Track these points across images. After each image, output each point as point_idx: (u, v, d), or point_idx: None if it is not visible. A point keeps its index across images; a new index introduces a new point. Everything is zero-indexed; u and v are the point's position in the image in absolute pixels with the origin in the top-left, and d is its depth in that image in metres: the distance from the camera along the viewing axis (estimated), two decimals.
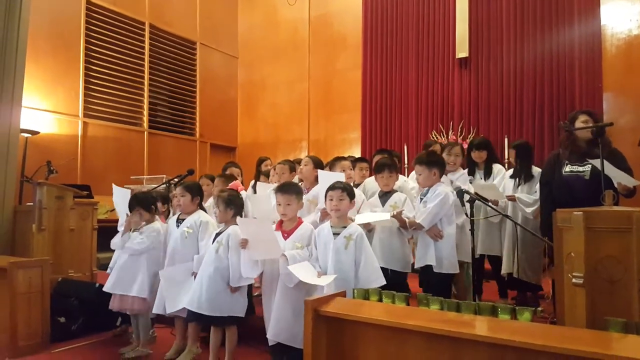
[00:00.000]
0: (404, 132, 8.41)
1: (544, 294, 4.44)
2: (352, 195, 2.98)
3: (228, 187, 3.39)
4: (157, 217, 3.77)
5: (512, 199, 4.18)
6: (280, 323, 2.86)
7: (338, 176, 3.37)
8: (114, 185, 3.99)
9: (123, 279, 3.55)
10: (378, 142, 8.56)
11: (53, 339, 3.79)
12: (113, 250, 3.88)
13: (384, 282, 2.79)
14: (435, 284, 3.31)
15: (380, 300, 2.11)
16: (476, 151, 4.54)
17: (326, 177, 3.39)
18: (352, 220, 3.05)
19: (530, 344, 1.49)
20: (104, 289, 3.60)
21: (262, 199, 4.02)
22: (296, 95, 9.84)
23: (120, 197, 3.92)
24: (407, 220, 3.47)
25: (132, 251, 3.53)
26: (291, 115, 9.89)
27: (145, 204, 3.63)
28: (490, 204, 3.76)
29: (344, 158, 4.23)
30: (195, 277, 3.29)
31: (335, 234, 2.86)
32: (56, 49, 7.39)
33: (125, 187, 4.37)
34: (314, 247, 2.92)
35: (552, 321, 3.38)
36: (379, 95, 8.71)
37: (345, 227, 2.89)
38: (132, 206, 3.60)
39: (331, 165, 4.09)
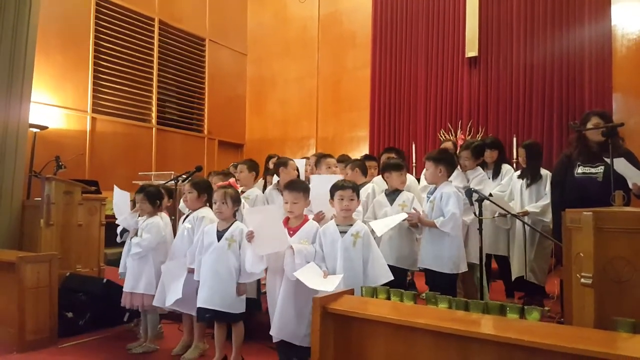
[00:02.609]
0: (412, 131, 8.38)
1: (550, 294, 4.42)
2: (358, 194, 3.01)
3: (226, 184, 3.38)
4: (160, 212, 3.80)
5: (525, 213, 4.14)
6: (283, 320, 2.87)
7: (333, 179, 3.23)
8: (115, 187, 4.01)
9: (132, 276, 3.58)
10: (386, 140, 8.54)
11: (60, 333, 3.81)
12: (121, 245, 3.90)
13: (392, 277, 2.83)
14: (439, 284, 3.29)
15: (389, 298, 2.11)
16: (488, 150, 4.51)
17: (321, 181, 3.31)
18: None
19: (539, 343, 1.48)
20: (125, 289, 3.61)
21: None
22: (305, 92, 9.84)
23: (120, 199, 3.93)
24: (419, 214, 3.46)
25: (139, 255, 3.54)
26: (300, 112, 9.90)
27: (151, 197, 3.66)
28: (499, 204, 3.74)
29: (329, 155, 4.15)
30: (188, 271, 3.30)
31: (342, 232, 2.86)
32: (65, 45, 7.43)
33: (134, 183, 4.40)
34: (318, 247, 2.90)
35: (559, 321, 3.36)
36: (387, 94, 8.69)
37: (351, 225, 2.90)
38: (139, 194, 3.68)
39: (316, 163, 4.04)
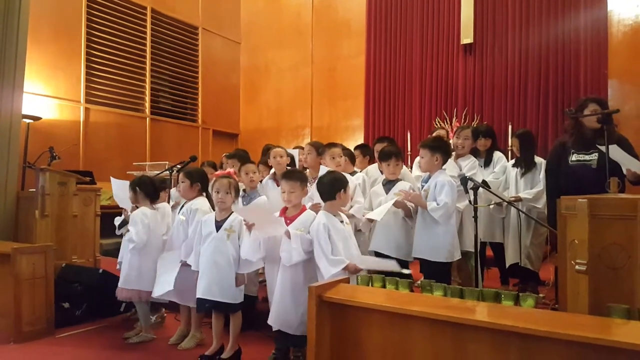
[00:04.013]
0: (407, 119, 8.36)
1: (545, 281, 4.45)
2: None
3: (225, 173, 3.37)
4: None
5: (517, 199, 4.17)
6: (279, 310, 2.89)
7: None
8: (112, 178, 3.99)
9: (131, 273, 3.57)
10: (381, 129, 8.51)
11: (57, 324, 3.81)
12: (116, 236, 3.90)
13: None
14: (434, 272, 3.30)
15: (384, 286, 2.12)
16: (482, 138, 4.51)
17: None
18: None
19: (534, 330, 1.49)
20: (120, 285, 3.59)
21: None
22: (299, 81, 9.78)
23: (120, 189, 3.91)
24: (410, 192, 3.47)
25: (135, 249, 3.51)
26: (294, 101, 9.84)
27: (143, 187, 3.66)
28: (495, 192, 3.75)
29: (334, 145, 4.14)
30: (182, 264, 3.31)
31: (340, 222, 2.91)
32: (57, 34, 7.34)
33: (128, 173, 4.38)
34: (329, 241, 2.78)
35: (553, 308, 3.39)
36: (382, 82, 8.65)
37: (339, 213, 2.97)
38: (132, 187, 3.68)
39: (321, 152, 4.02)
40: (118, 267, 3.82)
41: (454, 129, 7.22)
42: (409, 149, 7.55)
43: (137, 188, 3.66)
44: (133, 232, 3.50)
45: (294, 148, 4.73)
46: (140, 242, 3.50)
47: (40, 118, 6.66)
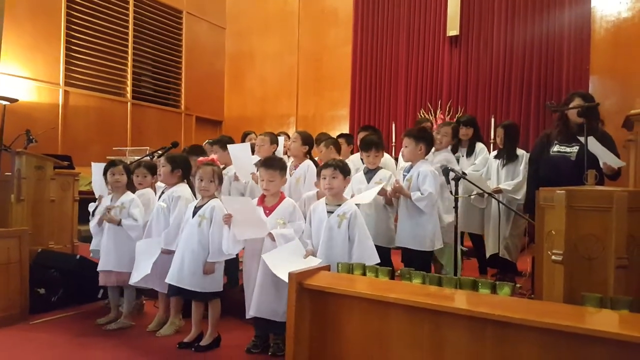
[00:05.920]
0: (392, 110, 8.37)
1: (522, 271, 4.53)
2: (345, 172, 2.91)
3: (209, 160, 3.32)
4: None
5: (498, 191, 4.21)
6: (261, 298, 2.86)
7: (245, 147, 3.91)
8: (92, 163, 3.91)
9: (107, 254, 3.51)
10: (366, 119, 8.52)
11: (32, 310, 3.74)
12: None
13: (378, 261, 2.74)
14: (417, 261, 3.33)
15: (364, 274, 2.12)
16: (463, 127, 4.54)
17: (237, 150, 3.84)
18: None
19: (510, 317, 1.51)
20: (99, 268, 3.53)
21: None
22: (285, 69, 9.70)
23: (101, 174, 3.84)
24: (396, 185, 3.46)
25: (137, 234, 3.46)
26: (279, 89, 9.77)
27: (128, 171, 3.63)
28: (475, 183, 3.77)
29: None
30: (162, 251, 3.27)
31: (330, 212, 2.84)
32: (35, 14, 7.15)
33: (108, 158, 4.31)
34: (308, 224, 2.89)
35: (530, 297, 3.45)
36: (368, 73, 8.64)
37: (339, 205, 2.86)
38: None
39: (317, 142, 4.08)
40: (92, 254, 3.76)
41: (438, 121, 7.27)
42: (393, 140, 7.57)
43: (131, 175, 3.66)
44: (138, 215, 3.48)
45: (278, 134, 4.69)
46: (143, 225, 3.47)
47: (17, 100, 6.48)
